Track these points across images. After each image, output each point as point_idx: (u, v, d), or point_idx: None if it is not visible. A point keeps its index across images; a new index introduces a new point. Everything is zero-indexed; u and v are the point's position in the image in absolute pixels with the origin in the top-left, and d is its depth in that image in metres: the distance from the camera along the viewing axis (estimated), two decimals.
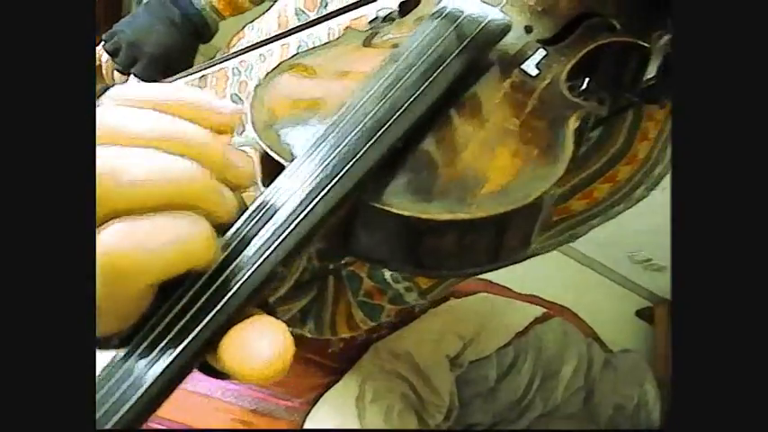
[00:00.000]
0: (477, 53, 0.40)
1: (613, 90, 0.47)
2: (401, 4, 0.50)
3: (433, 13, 0.42)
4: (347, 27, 0.55)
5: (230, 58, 0.60)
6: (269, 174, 0.34)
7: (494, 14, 0.42)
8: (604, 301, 2.79)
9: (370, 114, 0.34)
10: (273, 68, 0.41)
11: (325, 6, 0.63)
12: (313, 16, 0.63)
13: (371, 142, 0.33)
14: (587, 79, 0.45)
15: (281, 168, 0.32)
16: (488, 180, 0.34)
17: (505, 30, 0.42)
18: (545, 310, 2.52)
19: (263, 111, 0.38)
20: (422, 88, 0.36)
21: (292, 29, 0.51)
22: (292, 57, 0.43)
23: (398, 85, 0.36)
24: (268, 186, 0.31)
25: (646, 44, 0.44)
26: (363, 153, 0.33)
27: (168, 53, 0.82)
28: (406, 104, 0.35)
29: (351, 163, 0.32)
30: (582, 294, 2.64)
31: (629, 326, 2.82)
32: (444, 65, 0.38)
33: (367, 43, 0.44)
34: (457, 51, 0.39)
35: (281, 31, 0.52)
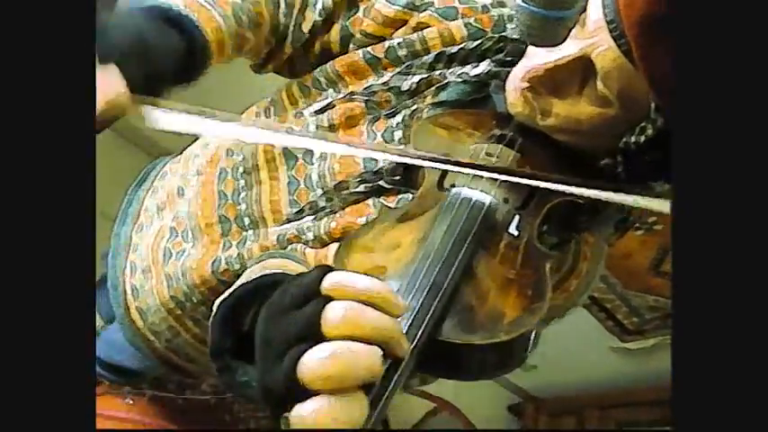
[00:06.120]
0: (485, 226, 0.58)
1: (565, 231, 0.65)
2: (406, 166, 0.66)
3: (451, 201, 0.60)
4: (384, 204, 0.69)
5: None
6: None
7: (488, 199, 0.60)
8: (480, 397, 3.04)
9: (435, 273, 0.51)
10: (340, 247, 0.59)
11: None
12: (300, 156, 0.75)
13: (441, 290, 0.50)
14: (547, 228, 0.63)
15: None
16: (506, 315, 0.51)
17: (496, 208, 0.60)
18: (435, 404, 2.80)
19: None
20: (459, 255, 0.53)
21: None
22: (348, 238, 0.61)
23: (444, 255, 0.53)
24: None
25: (580, 200, 0.61)
26: (440, 295, 0.49)
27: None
28: (453, 266, 0.52)
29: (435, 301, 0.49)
30: (461, 390, 2.91)
31: (501, 420, 3.17)
32: (468, 238, 0.55)
33: (401, 220, 0.61)
34: (475, 228, 0.57)
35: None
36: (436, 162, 0.60)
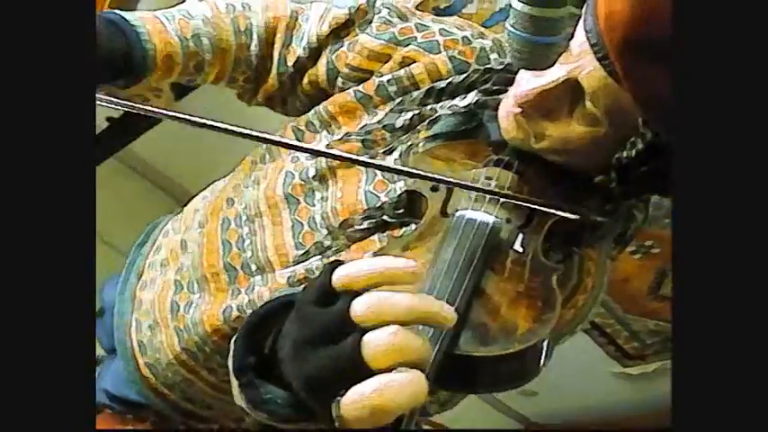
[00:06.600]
0: (491, 244, 0.61)
1: (568, 246, 0.67)
2: (408, 197, 0.69)
3: (456, 223, 0.62)
4: (390, 236, 0.71)
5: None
6: None
7: (492, 220, 0.63)
8: (481, 423, 2.96)
9: (446, 294, 0.54)
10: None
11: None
12: (302, 199, 0.76)
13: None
14: (551, 244, 0.65)
15: None
16: (519, 326, 0.54)
17: (500, 227, 0.63)
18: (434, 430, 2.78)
19: None
20: (468, 275, 0.56)
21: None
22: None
23: (454, 275, 0.56)
24: None
25: (577, 216, 0.64)
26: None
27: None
28: (463, 285, 0.55)
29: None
30: (460, 416, 2.88)
31: None
32: (476, 258, 0.58)
33: (409, 247, 0.63)
34: (481, 247, 0.59)
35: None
36: (448, 182, 0.64)
